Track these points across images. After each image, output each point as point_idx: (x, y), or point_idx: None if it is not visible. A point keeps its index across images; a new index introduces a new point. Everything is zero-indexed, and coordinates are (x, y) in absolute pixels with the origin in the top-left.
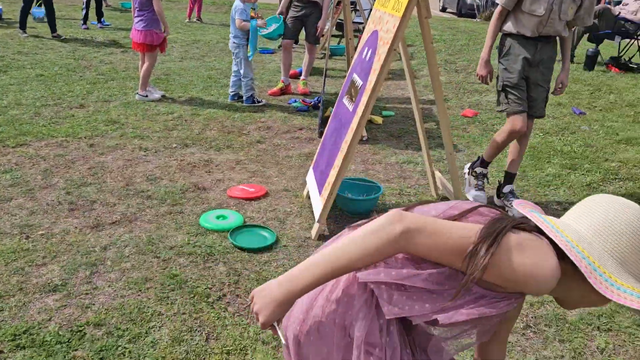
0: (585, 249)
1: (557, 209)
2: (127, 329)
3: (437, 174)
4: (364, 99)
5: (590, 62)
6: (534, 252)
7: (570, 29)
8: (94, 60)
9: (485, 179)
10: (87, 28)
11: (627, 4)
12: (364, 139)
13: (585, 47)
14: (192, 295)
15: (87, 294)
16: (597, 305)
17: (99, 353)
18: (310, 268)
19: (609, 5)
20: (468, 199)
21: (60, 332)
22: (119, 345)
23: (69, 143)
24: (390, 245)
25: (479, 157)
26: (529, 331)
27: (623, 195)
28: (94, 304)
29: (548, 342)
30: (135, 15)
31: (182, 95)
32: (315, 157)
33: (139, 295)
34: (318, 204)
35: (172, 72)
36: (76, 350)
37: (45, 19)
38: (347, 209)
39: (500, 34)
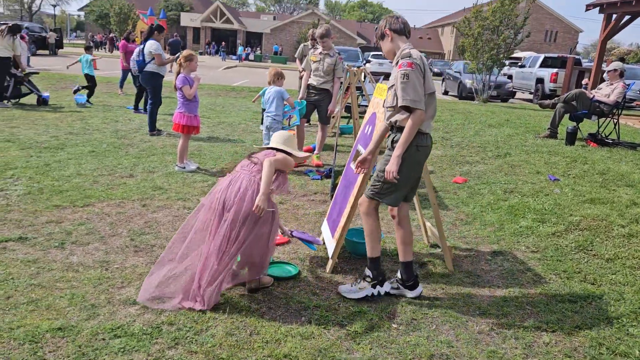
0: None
1: (525, 251)
2: (192, 326)
3: (427, 223)
4: None
5: (570, 137)
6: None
7: (409, 119)
8: (135, 139)
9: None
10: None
11: (600, 88)
12: None
13: (567, 124)
14: (238, 308)
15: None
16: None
17: (174, 340)
18: (265, 189)
19: (584, 90)
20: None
21: (144, 328)
22: (187, 337)
23: (125, 204)
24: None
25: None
26: (493, 332)
27: (580, 242)
28: (165, 312)
29: (507, 339)
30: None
31: (213, 166)
32: (328, 210)
33: None
34: (331, 244)
35: (203, 148)
36: (157, 338)
37: (88, 104)
38: (353, 250)
39: None
